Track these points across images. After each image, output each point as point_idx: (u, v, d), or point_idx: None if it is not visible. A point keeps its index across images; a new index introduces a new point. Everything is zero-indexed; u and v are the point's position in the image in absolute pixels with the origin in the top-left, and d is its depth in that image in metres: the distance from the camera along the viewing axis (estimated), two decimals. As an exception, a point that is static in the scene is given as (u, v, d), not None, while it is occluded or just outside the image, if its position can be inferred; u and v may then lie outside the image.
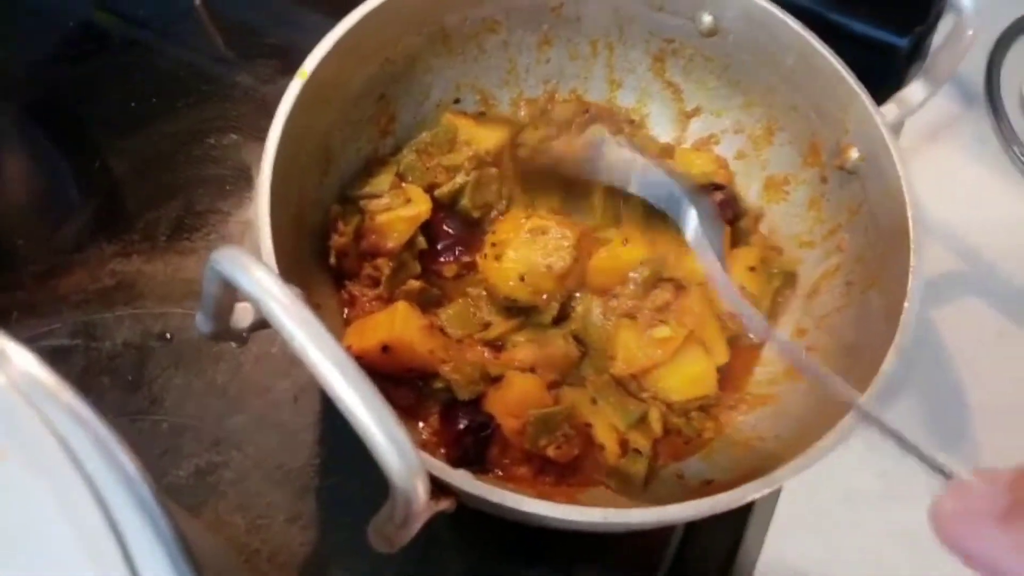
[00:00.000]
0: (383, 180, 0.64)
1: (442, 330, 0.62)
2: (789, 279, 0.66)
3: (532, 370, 0.59)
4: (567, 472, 0.58)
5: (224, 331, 0.46)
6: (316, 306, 0.58)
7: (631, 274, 0.63)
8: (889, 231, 0.57)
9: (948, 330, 0.68)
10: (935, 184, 0.65)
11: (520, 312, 0.62)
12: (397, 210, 0.63)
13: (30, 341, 0.64)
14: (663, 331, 0.60)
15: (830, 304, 0.62)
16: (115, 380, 0.64)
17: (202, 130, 0.76)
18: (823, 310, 0.63)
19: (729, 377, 0.63)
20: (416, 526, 0.40)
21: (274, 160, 0.53)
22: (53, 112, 0.79)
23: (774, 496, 0.63)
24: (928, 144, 0.69)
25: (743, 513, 0.63)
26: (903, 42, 0.79)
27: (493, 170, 0.66)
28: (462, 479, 0.45)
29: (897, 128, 0.59)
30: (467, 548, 0.60)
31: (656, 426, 0.60)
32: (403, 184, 0.65)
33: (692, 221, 0.55)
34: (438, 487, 0.45)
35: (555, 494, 0.56)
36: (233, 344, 0.64)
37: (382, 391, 0.49)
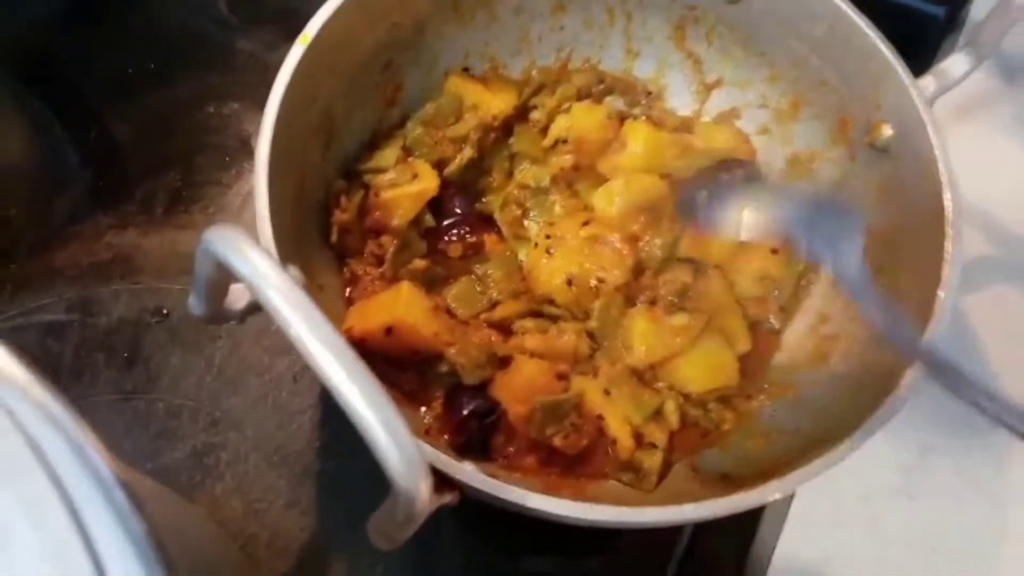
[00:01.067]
0: (388, 154, 0.61)
1: (448, 311, 0.59)
2: (814, 263, 0.63)
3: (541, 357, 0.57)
4: (575, 463, 0.55)
5: (218, 313, 0.44)
6: (319, 287, 0.56)
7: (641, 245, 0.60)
8: (922, 214, 0.54)
9: (979, 317, 0.65)
10: (968, 163, 0.62)
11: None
12: (403, 186, 0.60)
13: (24, 315, 0.62)
14: (681, 318, 0.57)
15: (856, 289, 0.59)
16: (111, 357, 0.62)
17: (202, 97, 0.73)
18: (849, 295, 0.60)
19: (748, 365, 0.61)
20: (418, 524, 0.38)
21: (273, 130, 0.50)
22: (49, 78, 0.76)
23: (787, 496, 0.60)
24: (961, 120, 0.64)
25: (756, 511, 0.60)
26: (939, 11, 0.76)
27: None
28: (467, 474, 0.42)
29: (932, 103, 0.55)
30: (470, 536, 0.58)
31: (672, 418, 0.57)
32: (410, 159, 0.62)
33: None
34: (441, 480, 0.43)
35: (562, 486, 0.54)
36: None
37: (385, 376, 0.48)
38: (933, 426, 0.61)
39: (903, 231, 0.56)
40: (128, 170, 0.70)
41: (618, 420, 0.56)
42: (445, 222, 0.61)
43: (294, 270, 0.50)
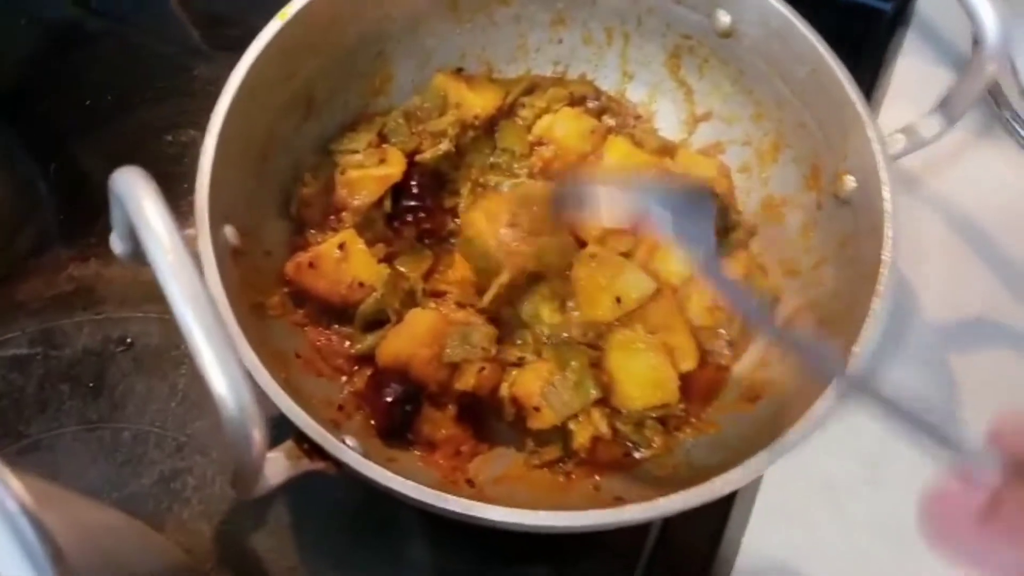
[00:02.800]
0: (362, 138, 0.63)
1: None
2: (770, 300, 0.62)
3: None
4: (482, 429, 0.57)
5: (136, 252, 0.46)
6: (265, 252, 0.58)
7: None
8: (868, 270, 0.52)
9: (931, 304, 0.64)
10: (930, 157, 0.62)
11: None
12: (369, 169, 0.62)
13: None
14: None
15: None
16: (75, 388, 0.63)
17: (160, 127, 0.73)
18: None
19: (693, 394, 0.60)
20: (259, 473, 0.39)
21: (235, 94, 0.52)
22: (11, 110, 0.75)
23: (754, 486, 0.60)
24: (911, 107, 0.63)
25: (723, 504, 0.59)
26: (887, 6, 0.74)
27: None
28: (335, 448, 0.44)
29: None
30: (441, 549, 0.59)
31: (601, 424, 0.57)
32: (384, 145, 0.64)
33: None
34: (317, 450, 0.45)
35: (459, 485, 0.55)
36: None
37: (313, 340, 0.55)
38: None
39: (848, 285, 0.55)
40: (89, 202, 0.70)
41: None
42: (406, 203, 0.63)
43: (230, 229, 0.53)
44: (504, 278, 0.59)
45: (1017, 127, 0.73)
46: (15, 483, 0.29)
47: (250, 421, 0.35)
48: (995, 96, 0.74)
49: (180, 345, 0.63)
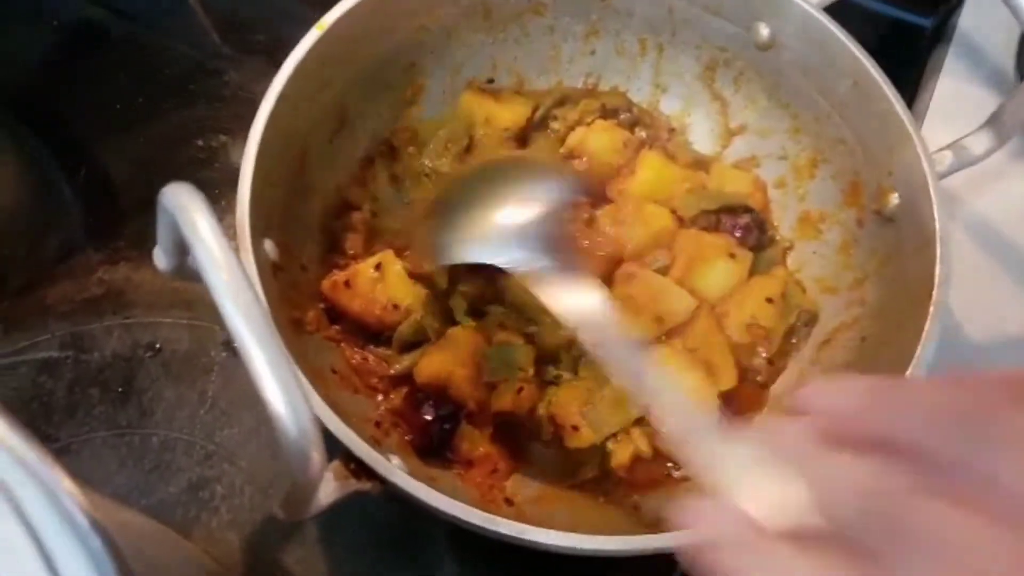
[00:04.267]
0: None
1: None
2: (809, 318, 0.61)
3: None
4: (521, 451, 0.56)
5: (181, 267, 0.45)
6: (300, 267, 0.57)
7: None
8: (915, 288, 0.52)
9: (971, 327, 0.62)
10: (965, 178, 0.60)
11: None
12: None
13: (16, 354, 0.63)
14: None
15: (840, 358, 0.57)
16: (104, 393, 0.62)
17: (190, 131, 0.73)
18: (831, 362, 0.58)
19: (732, 412, 0.59)
20: (315, 494, 0.38)
21: (274, 105, 0.51)
22: (39, 113, 0.75)
23: None
24: (951, 125, 0.62)
25: None
26: (927, 22, 0.73)
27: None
28: (383, 465, 0.43)
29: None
30: (469, 565, 0.58)
31: (641, 443, 0.57)
32: None
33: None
34: (363, 468, 0.44)
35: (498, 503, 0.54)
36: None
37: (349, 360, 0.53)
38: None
39: (893, 303, 0.54)
40: (118, 205, 0.70)
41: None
42: None
43: (269, 244, 0.52)
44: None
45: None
46: (81, 498, 0.28)
47: (309, 442, 0.34)
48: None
49: (210, 351, 0.63)
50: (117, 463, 0.59)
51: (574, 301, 0.48)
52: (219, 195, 0.66)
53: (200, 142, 0.73)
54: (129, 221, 0.69)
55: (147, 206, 0.67)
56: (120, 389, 0.62)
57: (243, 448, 0.60)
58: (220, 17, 0.81)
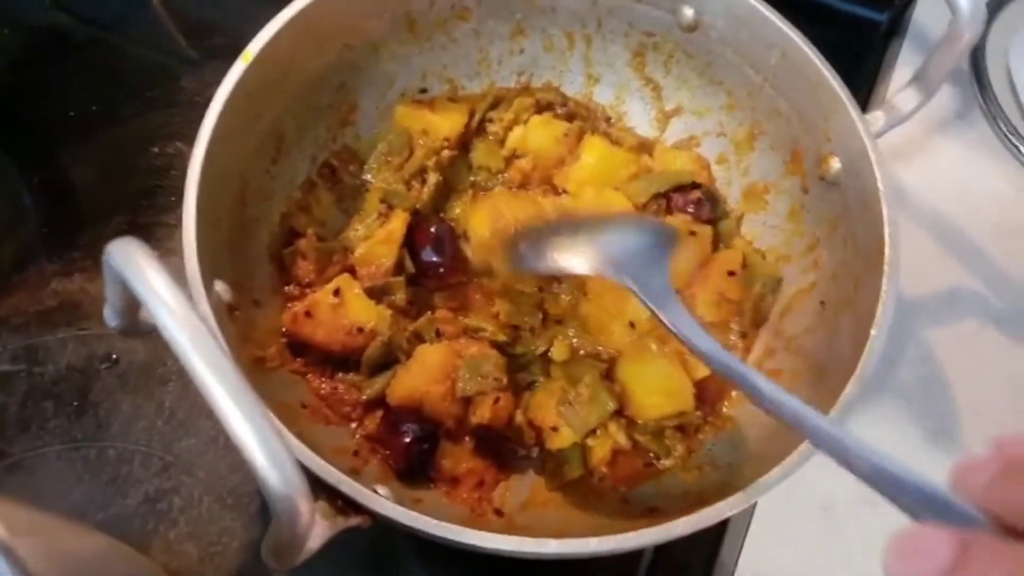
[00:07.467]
0: (369, 214, 0.62)
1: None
2: (774, 284, 0.62)
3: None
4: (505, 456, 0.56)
5: (132, 326, 0.44)
6: (254, 303, 0.55)
7: None
8: (866, 249, 0.53)
9: (930, 322, 0.64)
10: (915, 163, 0.60)
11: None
12: (374, 234, 0.60)
13: None
14: None
15: (801, 324, 0.58)
16: (59, 406, 0.61)
17: (147, 138, 0.71)
18: (794, 330, 0.59)
19: (707, 395, 0.59)
20: (304, 543, 0.37)
21: (208, 145, 0.50)
22: (2, 120, 0.73)
23: (749, 509, 0.59)
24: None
25: (717, 527, 0.57)
26: (882, 17, 0.75)
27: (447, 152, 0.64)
28: (371, 499, 0.42)
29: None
30: (435, 571, 0.58)
31: (619, 437, 0.57)
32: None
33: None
34: (350, 504, 0.43)
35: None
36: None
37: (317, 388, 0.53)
38: (894, 431, 0.61)
39: (848, 265, 0.55)
40: (75, 214, 0.69)
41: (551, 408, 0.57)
42: (426, 259, 0.61)
43: (221, 285, 0.50)
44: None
45: (1016, 143, 0.74)
46: None
47: (297, 494, 0.33)
48: (991, 108, 0.75)
49: (167, 362, 0.62)
50: (73, 478, 0.59)
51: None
52: (175, 202, 0.65)
53: (156, 149, 0.72)
54: (85, 231, 0.67)
55: (101, 216, 0.68)
56: (75, 402, 0.61)
57: (201, 458, 0.60)
58: (186, 22, 0.80)
